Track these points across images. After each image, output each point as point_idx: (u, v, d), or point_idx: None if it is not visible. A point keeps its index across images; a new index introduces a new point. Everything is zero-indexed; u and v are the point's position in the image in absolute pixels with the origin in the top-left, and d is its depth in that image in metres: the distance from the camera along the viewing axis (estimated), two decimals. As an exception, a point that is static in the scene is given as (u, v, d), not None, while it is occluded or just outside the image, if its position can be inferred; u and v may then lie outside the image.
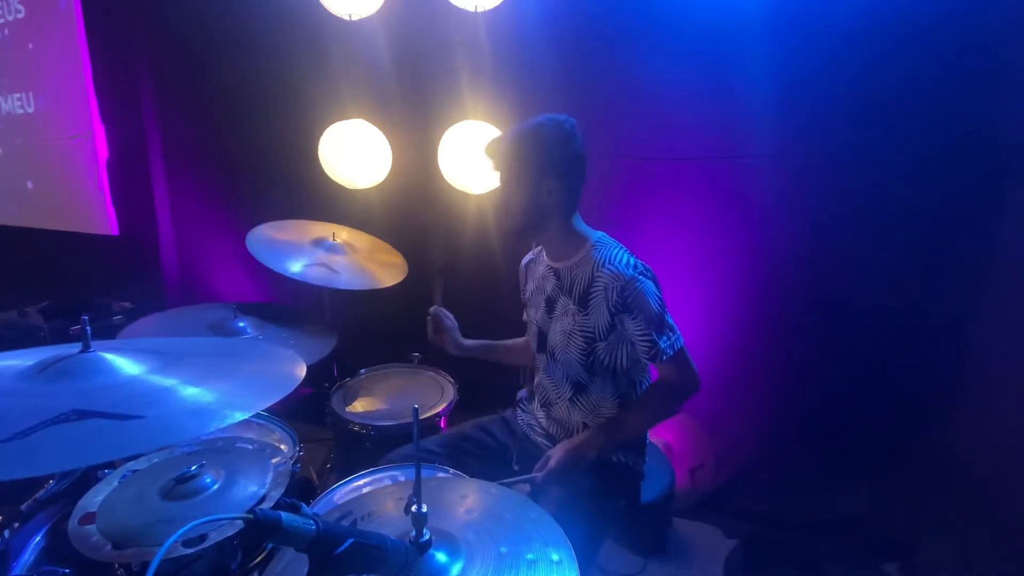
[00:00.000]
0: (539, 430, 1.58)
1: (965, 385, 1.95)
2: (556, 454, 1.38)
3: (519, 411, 1.68)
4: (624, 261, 1.35)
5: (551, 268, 1.48)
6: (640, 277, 1.32)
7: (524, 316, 1.65)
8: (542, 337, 1.51)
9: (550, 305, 1.48)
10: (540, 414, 1.59)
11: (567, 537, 0.92)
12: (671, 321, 1.35)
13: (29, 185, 3.61)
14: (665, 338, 1.33)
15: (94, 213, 3.35)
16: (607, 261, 1.36)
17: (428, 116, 2.43)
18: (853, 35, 1.88)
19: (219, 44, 2.74)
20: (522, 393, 1.71)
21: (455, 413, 1.96)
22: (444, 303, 1.74)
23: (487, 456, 1.59)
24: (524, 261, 1.64)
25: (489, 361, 1.76)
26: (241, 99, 2.77)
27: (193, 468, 1.13)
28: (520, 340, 1.75)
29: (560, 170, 1.36)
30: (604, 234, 1.45)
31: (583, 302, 1.39)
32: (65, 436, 0.83)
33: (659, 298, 1.34)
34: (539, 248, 1.57)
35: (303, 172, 2.59)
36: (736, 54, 2.01)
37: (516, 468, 1.58)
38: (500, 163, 1.41)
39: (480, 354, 1.75)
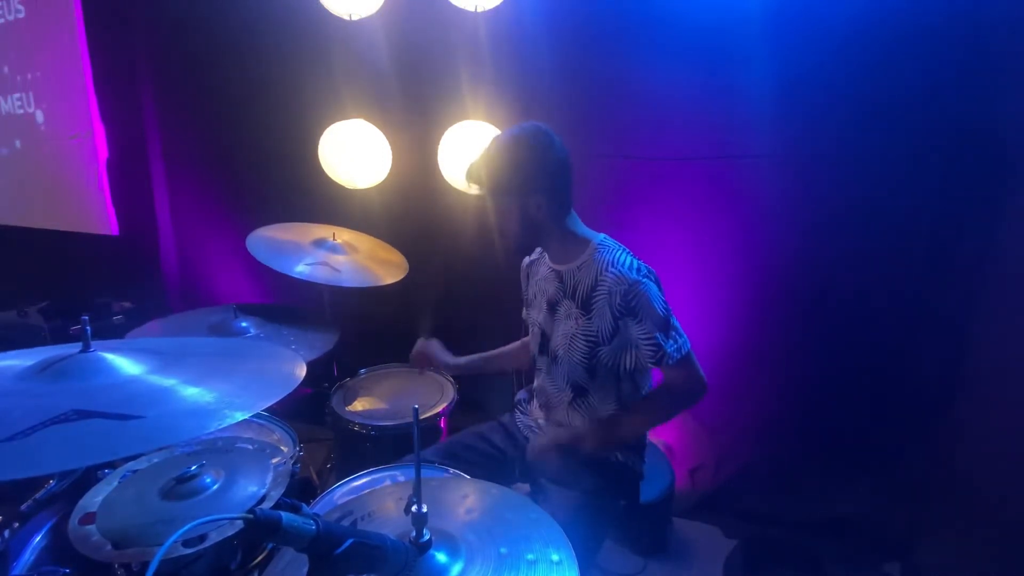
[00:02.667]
0: (539, 431, 1.58)
1: (965, 385, 1.95)
2: (548, 436, 1.38)
3: (518, 413, 1.68)
4: (628, 264, 1.34)
5: (553, 270, 1.47)
6: (644, 280, 1.31)
7: (523, 314, 1.65)
8: (544, 339, 1.51)
9: (552, 307, 1.48)
10: (539, 416, 1.58)
11: (567, 537, 0.92)
12: (676, 324, 1.34)
13: (29, 185, 3.61)
14: (672, 342, 1.31)
15: (94, 213, 3.34)
16: (611, 264, 1.35)
17: (428, 116, 2.43)
18: (853, 35, 1.88)
19: (219, 44, 2.74)
20: (521, 395, 1.70)
21: (455, 413, 1.96)
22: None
23: (487, 464, 1.58)
24: (526, 262, 1.63)
25: (486, 373, 1.76)
26: (241, 99, 2.77)
27: (193, 468, 1.13)
28: (514, 345, 1.75)
29: (542, 183, 1.34)
30: (607, 236, 1.44)
31: (586, 306, 1.38)
32: (65, 436, 0.83)
33: (663, 301, 1.33)
34: (541, 249, 1.57)
35: (303, 172, 2.59)
36: (736, 54, 2.01)
37: (518, 473, 1.57)
38: (483, 190, 1.41)
39: (474, 369, 1.76)
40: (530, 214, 1.37)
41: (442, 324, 2.50)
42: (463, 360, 1.75)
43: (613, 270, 1.33)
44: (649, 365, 1.35)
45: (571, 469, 1.40)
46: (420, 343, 1.78)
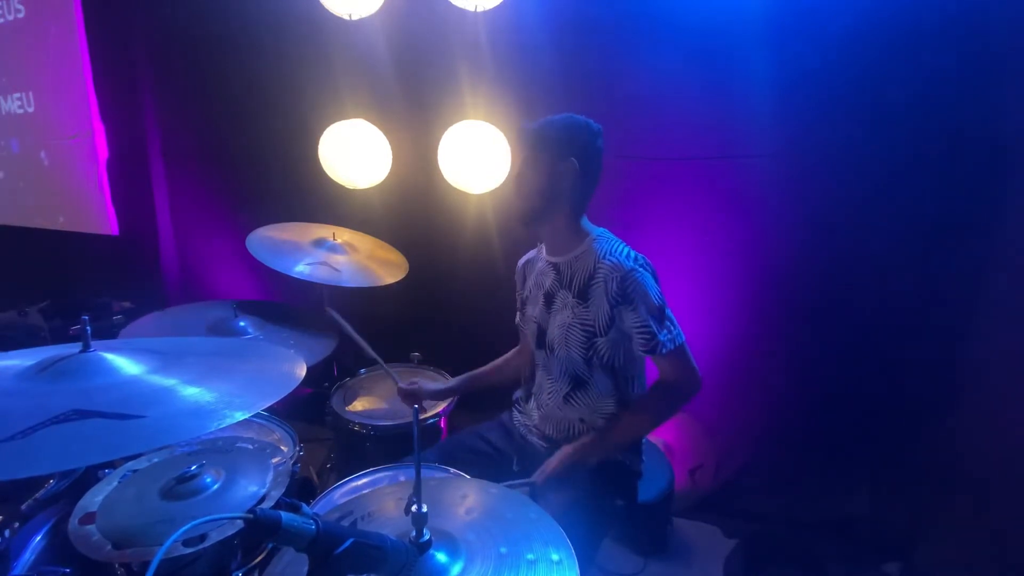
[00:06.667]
0: (535, 430, 1.58)
1: (965, 385, 1.95)
2: (555, 459, 1.38)
3: (515, 412, 1.68)
4: (624, 253, 1.38)
5: (550, 263, 1.49)
6: (640, 269, 1.34)
7: (517, 319, 1.66)
8: (541, 333, 1.51)
9: (549, 300, 1.49)
10: (536, 414, 1.58)
11: (567, 537, 0.92)
12: (671, 315, 1.37)
13: (29, 185, 3.61)
14: (665, 331, 1.34)
15: (94, 213, 3.34)
16: (608, 253, 1.38)
17: (428, 116, 2.43)
18: (853, 35, 1.88)
19: (219, 44, 2.74)
20: (517, 394, 1.71)
21: (455, 413, 1.96)
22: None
23: (486, 463, 1.58)
24: (521, 261, 1.65)
25: (481, 388, 1.76)
26: (241, 99, 2.77)
27: (193, 468, 1.13)
28: (503, 358, 1.77)
29: (578, 153, 1.38)
30: (606, 230, 1.47)
31: (583, 294, 1.40)
32: (65, 436, 0.83)
33: (658, 291, 1.36)
34: (538, 247, 1.58)
35: (303, 172, 2.59)
36: (736, 53, 2.01)
37: (516, 469, 1.58)
38: (525, 142, 1.43)
39: (465, 389, 1.76)
40: (555, 177, 1.39)
41: (441, 324, 2.50)
42: (453, 382, 1.77)
43: (611, 258, 1.37)
44: (641, 353, 1.37)
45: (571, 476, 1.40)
46: (402, 390, 1.74)
